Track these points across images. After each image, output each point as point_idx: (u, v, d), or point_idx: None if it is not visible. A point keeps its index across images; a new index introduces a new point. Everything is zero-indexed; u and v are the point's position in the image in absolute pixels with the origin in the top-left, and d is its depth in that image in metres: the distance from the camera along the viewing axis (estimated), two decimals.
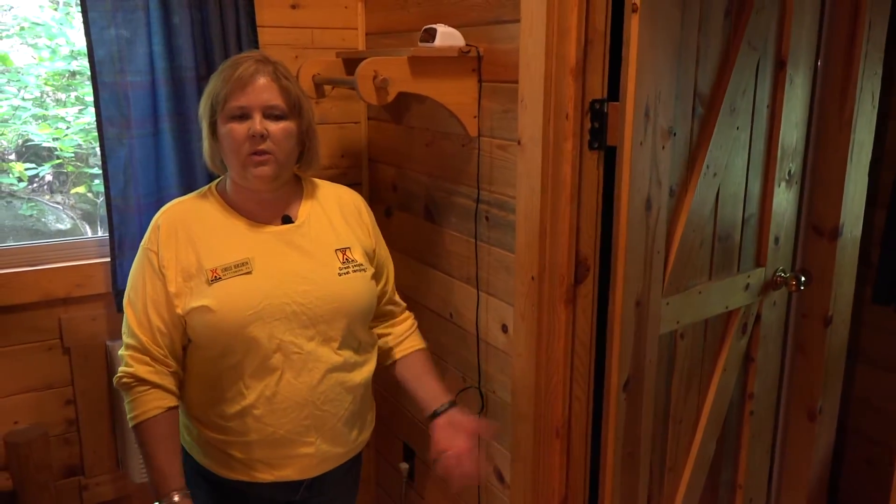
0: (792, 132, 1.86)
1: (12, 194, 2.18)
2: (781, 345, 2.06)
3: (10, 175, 2.13)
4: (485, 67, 1.71)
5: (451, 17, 1.79)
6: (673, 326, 1.71)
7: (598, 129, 1.52)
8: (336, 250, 1.49)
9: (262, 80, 1.39)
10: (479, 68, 1.71)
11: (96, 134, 1.88)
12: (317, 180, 1.59)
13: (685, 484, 1.88)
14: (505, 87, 1.65)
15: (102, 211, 2.15)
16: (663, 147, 1.53)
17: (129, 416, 1.40)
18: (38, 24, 2.02)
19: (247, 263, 1.41)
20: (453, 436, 1.51)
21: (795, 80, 1.82)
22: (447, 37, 1.69)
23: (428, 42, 1.69)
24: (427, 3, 1.90)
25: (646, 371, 1.63)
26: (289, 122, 1.41)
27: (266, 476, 1.47)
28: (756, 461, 2.09)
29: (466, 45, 1.70)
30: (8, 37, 2.00)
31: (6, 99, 2.02)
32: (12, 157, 2.14)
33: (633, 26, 1.40)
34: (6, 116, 2.03)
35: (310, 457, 1.47)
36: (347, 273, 1.48)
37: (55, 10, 2.04)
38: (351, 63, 1.99)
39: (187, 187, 1.88)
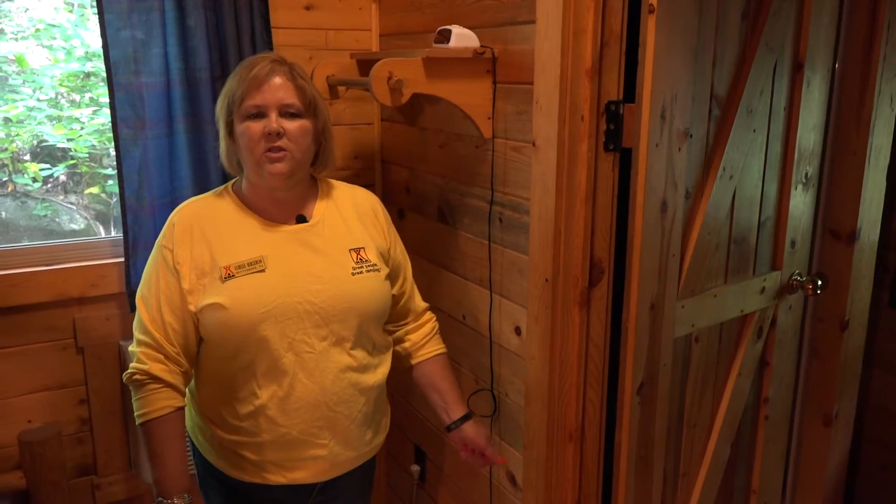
0: (809, 135, 1.84)
1: (27, 194, 2.19)
2: (797, 349, 2.05)
3: (25, 175, 2.14)
4: (499, 69, 1.70)
5: (465, 19, 1.79)
6: (688, 330, 1.69)
7: (613, 130, 1.51)
8: (350, 250, 1.49)
9: (277, 80, 1.40)
10: (494, 69, 1.71)
11: (110, 135, 1.89)
12: (333, 181, 1.60)
13: (699, 489, 1.86)
14: (520, 88, 1.64)
15: (116, 211, 2.16)
16: (679, 149, 1.52)
17: (137, 413, 1.40)
18: (53, 26, 2.03)
19: (260, 262, 1.41)
20: (468, 450, 1.67)
21: (813, 82, 1.80)
22: (462, 38, 1.68)
23: (442, 43, 1.69)
24: (441, 5, 1.89)
25: (660, 375, 1.62)
26: (304, 120, 1.42)
27: (278, 478, 1.46)
28: (771, 466, 2.07)
29: (481, 46, 1.70)
30: (24, 38, 2.02)
31: (21, 100, 2.03)
32: (27, 157, 2.15)
33: (650, 27, 1.39)
34: (21, 117, 2.04)
35: (322, 459, 1.47)
36: (361, 273, 1.48)
37: (70, 11, 2.05)
38: (365, 64, 1.98)
39: (201, 188, 1.88)
